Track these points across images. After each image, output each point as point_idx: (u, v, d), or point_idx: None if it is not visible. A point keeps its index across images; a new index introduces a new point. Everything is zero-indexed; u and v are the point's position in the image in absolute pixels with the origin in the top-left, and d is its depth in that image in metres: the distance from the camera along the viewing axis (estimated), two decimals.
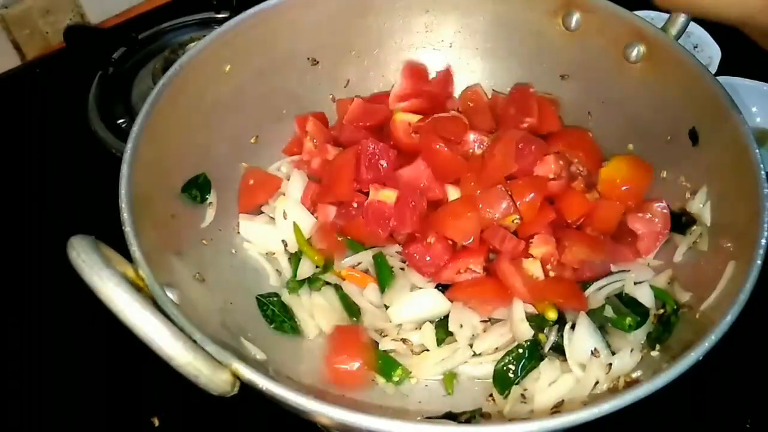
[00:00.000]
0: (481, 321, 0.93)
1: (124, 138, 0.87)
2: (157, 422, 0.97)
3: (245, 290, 0.98)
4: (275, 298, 0.98)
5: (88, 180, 1.24)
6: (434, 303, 0.94)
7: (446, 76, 1.19)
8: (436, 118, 1.06)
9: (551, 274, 0.94)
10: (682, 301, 0.87)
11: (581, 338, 0.86)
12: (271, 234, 1.03)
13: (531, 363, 0.86)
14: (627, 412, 0.88)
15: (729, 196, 0.88)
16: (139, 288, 0.68)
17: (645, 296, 0.89)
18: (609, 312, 0.89)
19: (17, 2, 1.45)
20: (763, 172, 0.81)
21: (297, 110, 1.15)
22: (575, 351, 0.85)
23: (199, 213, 0.99)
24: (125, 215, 0.77)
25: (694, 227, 0.92)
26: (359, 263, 1.00)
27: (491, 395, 0.88)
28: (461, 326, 0.91)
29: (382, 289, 0.96)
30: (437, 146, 1.00)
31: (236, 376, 0.65)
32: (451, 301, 0.94)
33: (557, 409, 0.82)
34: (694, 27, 1.43)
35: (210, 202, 1.00)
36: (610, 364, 0.83)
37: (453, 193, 1.01)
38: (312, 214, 1.04)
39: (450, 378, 0.90)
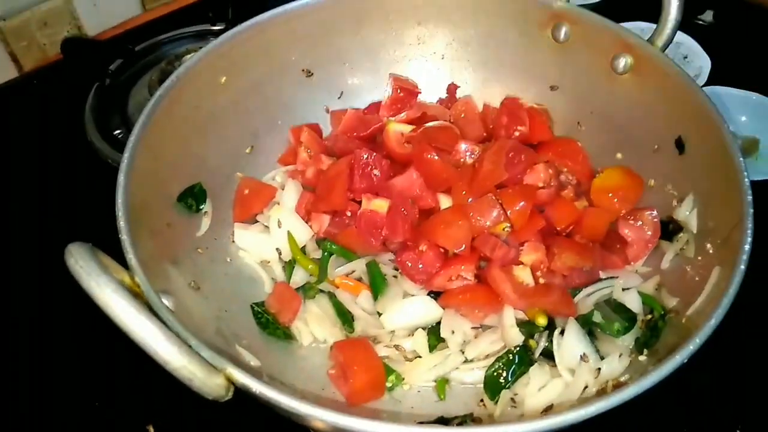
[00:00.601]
0: (472, 328, 0.94)
1: (121, 148, 0.88)
2: (152, 430, 0.98)
3: (240, 298, 0.99)
4: None
5: (85, 190, 1.25)
6: (426, 310, 0.95)
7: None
8: (428, 128, 1.08)
9: (541, 280, 0.95)
10: (669, 307, 0.88)
11: (570, 343, 0.87)
12: (266, 243, 1.05)
13: (521, 368, 0.87)
14: (620, 421, 0.90)
15: (714, 203, 0.90)
16: (135, 294, 0.69)
17: (633, 302, 0.91)
18: (598, 317, 0.90)
19: (15, 14, 1.47)
20: (747, 180, 0.83)
21: (291, 121, 1.17)
22: (564, 356, 0.87)
23: (194, 222, 1.01)
24: (122, 224, 0.79)
25: (681, 234, 0.94)
26: (353, 271, 1.01)
27: (482, 400, 0.89)
28: (453, 332, 0.92)
29: (375, 297, 0.97)
30: (429, 156, 1.01)
31: (230, 380, 0.66)
32: (443, 308, 0.95)
33: (546, 413, 0.83)
34: (684, 38, 1.46)
35: (205, 211, 1.02)
36: (599, 369, 0.84)
37: (445, 201, 1.03)
38: (306, 223, 1.05)
39: (442, 384, 0.91)
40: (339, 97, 1.21)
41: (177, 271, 0.89)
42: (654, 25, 1.01)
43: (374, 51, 1.20)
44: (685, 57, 1.47)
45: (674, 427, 0.96)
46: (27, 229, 1.22)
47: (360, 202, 1.01)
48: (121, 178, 0.83)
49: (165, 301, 0.74)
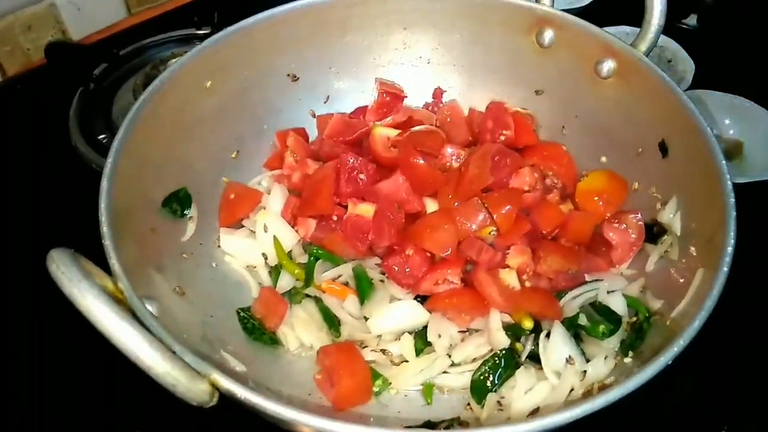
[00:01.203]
0: (459, 331, 0.94)
1: (105, 154, 0.88)
2: None
3: (226, 303, 0.98)
4: None
5: (69, 195, 1.24)
6: (413, 314, 0.95)
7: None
8: (414, 132, 1.08)
9: (527, 284, 0.96)
10: (654, 309, 0.89)
11: (556, 346, 0.87)
12: (252, 247, 1.04)
13: (507, 372, 0.88)
14: (607, 423, 0.90)
15: (698, 205, 0.91)
16: (118, 300, 0.69)
17: (618, 305, 0.91)
18: (583, 320, 0.91)
19: None
20: (729, 183, 0.83)
21: (277, 125, 1.17)
22: (550, 359, 0.87)
23: (179, 227, 1.00)
24: (105, 229, 0.78)
25: (665, 237, 0.95)
26: (339, 276, 1.01)
27: (469, 404, 0.89)
28: (439, 336, 0.92)
29: (362, 301, 0.97)
30: (415, 160, 1.01)
31: (215, 386, 0.66)
32: (430, 312, 0.95)
33: (533, 415, 0.83)
34: (668, 42, 1.48)
35: (190, 216, 1.01)
36: (585, 371, 0.85)
37: (431, 205, 1.03)
38: (292, 227, 1.05)
39: (429, 388, 0.91)
40: (325, 102, 1.21)
41: (161, 276, 0.89)
42: (638, 29, 1.02)
43: (360, 56, 1.20)
44: (670, 61, 1.48)
45: (661, 429, 0.96)
46: (10, 234, 1.21)
47: (346, 207, 1.01)
48: (104, 183, 0.83)
49: (149, 307, 0.73)
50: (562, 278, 0.95)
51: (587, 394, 0.83)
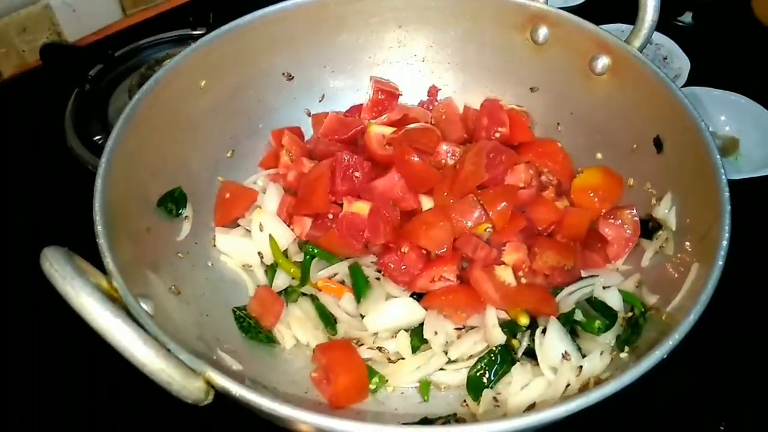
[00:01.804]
0: (455, 329, 0.94)
1: (101, 155, 0.87)
2: None
3: (221, 302, 0.98)
4: None
5: (65, 196, 1.24)
6: (409, 311, 0.95)
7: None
8: (409, 130, 1.08)
9: (523, 280, 0.96)
10: (649, 304, 0.89)
11: (552, 342, 0.87)
12: (247, 247, 1.04)
13: (503, 368, 0.88)
14: (604, 420, 0.90)
15: (693, 201, 0.91)
16: (113, 299, 0.69)
17: (614, 300, 0.91)
18: (579, 316, 0.91)
19: None
20: (724, 177, 0.83)
21: (272, 125, 1.16)
22: (546, 355, 0.87)
23: (174, 226, 1.00)
24: (99, 228, 0.78)
25: (660, 232, 0.95)
26: (335, 274, 1.01)
27: (465, 401, 0.89)
28: (436, 333, 0.92)
29: (358, 299, 0.97)
30: (410, 157, 1.01)
31: (210, 383, 0.66)
32: (426, 309, 0.95)
33: (529, 411, 0.83)
34: (664, 39, 1.48)
35: (186, 216, 1.01)
36: (581, 367, 0.85)
37: (427, 203, 1.03)
38: (288, 226, 1.05)
39: (426, 385, 0.91)
40: (320, 101, 1.21)
41: (156, 275, 0.89)
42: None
43: (355, 54, 1.20)
44: (665, 58, 1.49)
45: (658, 426, 0.96)
46: (6, 235, 1.21)
47: (342, 205, 1.01)
48: (98, 182, 0.83)
49: (144, 306, 0.73)
50: (558, 274, 0.95)
51: (583, 390, 0.82)
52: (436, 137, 1.08)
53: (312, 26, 1.14)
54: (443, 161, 1.06)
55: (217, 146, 1.10)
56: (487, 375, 0.87)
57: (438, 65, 1.22)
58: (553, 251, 0.96)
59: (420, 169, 1.02)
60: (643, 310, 0.89)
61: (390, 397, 0.91)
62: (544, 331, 0.89)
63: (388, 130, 1.10)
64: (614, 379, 0.66)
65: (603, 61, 1.04)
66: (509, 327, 0.92)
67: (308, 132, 1.20)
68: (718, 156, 0.85)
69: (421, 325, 0.94)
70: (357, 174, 1.03)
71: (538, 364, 0.88)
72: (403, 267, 0.97)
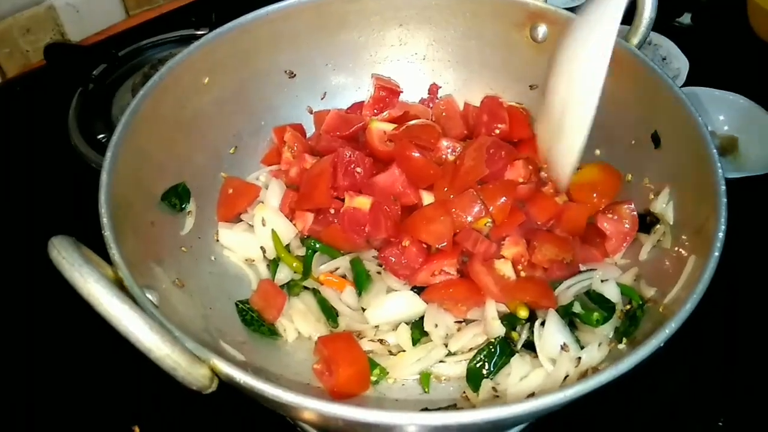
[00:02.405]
0: (455, 322, 0.95)
1: (104, 153, 0.88)
2: (137, 430, 0.98)
3: (225, 296, 0.99)
4: None
5: (70, 195, 1.25)
6: (410, 305, 0.96)
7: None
8: (409, 126, 1.09)
9: (522, 274, 0.97)
10: (647, 297, 0.90)
11: (551, 334, 0.88)
12: (250, 241, 1.05)
13: (502, 359, 0.89)
14: (604, 415, 0.91)
15: (689, 195, 0.92)
16: (120, 287, 0.69)
17: (612, 292, 0.92)
18: (578, 308, 0.92)
19: None
20: (720, 170, 0.84)
21: (275, 122, 1.18)
22: (545, 346, 0.88)
23: (178, 221, 1.01)
24: (105, 220, 0.79)
25: (658, 226, 0.96)
26: (337, 268, 1.02)
27: (464, 392, 0.90)
28: (436, 326, 0.93)
29: (359, 293, 0.98)
30: (411, 153, 1.03)
31: (214, 371, 0.66)
32: (427, 303, 0.96)
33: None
34: (663, 40, 1.49)
35: (189, 211, 1.02)
36: (579, 358, 0.86)
37: (427, 198, 1.04)
38: (290, 221, 1.06)
39: (426, 377, 0.92)
40: (322, 98, 1.22)
41: (161, 268, 0.90)
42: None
43: (357, 52, 1.22)
44: (664, 59, 1.50)
45: (658, 421, 0.97)
46: (11, 234, 1.22)
47: (343, 200, 1.02)
48: (104, 177, 0.83)
49: (149, 296, 0.74)
50: (557, 268, 0.96)
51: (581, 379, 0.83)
52: (436, 133, 1.09)
53: (314, 25, 1.15)
54: (444, 157, 1.07)
55: (220, 142, 1.11)
56: (486, 366, 0.88)
57: (439, 63, 1.23)
58: (551, 245, 0.97)
59: (420, 165, 1.03)
60: (640, 302, 0.90)
61: (391, 389, 0.92)
62: (543, 324, 0.90)
63: (389, 127, 1.11)
64: (612, 367, 0.67)
65: None
66: (508, 320, 0.93)
67: (310, 129, 1.21)
68: (715, 150, 0.86)
69: (422, 318, 0.95)
70: (358, 170, 1.04)
71: (537, 356, 0.89)
72: (403, 261, 0.98)
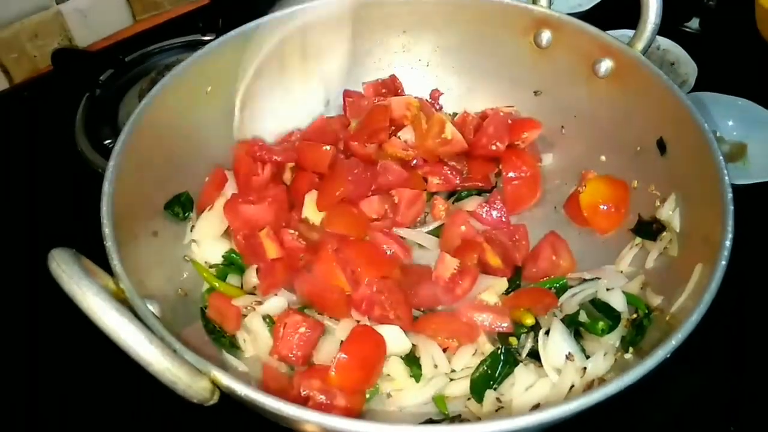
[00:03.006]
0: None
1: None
2: None
3: None
4: None
5: (76, 200, 1.25)
6: (395, 341, 0.91)
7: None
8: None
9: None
10: (654, 305, 0.89)
11: (556, 343, 0.87)
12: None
13: (506, 369, 0.87)
14: (612, 423, 0.90)
15: (696, 202, 0.91)
16: (120, 300, 0.69)
17: (617, 301, 0.91)
18: (583, 317, 0.91)
19: (5, 26, 1.48)
20: (727, 177, 0.83)
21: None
22: (550, 356, 0.87)
23: (181, 230, 1.01)
24: (107, 231, 0.79)
25: (665, 233, 0.95)
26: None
27: (469, 398, 0.88)
28: (436, 367, 0.89)
29: None
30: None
31: (215, 383, 0.66)
32: (418, 333, 0.92)
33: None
34: (671, 45, 1.48)
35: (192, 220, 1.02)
36: (585, 368, 0.85)
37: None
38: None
39: (441, 399, 0.88)
40: (326, 105, 1.22)
41: (164, 278, 0.90)
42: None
43: (360, 59, 1.21)
44: (672, 64, 1.49)
45: (668, 429, 0.96)
46: (16, 240, 1.22)
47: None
48: (106, 186, 0.84)
49: (150, 307, 0.74)
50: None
51: (587, 389, 0.83)
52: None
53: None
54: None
55: (223, 152, 1.11)
56: (490, 375, 0.87)
57: (442, 69, 1.23)
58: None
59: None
60: (647, 311, 0.89)
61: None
62: (547, 333, 0.89)
63: None
64: (618, 378, 0.66)
65: (606, 65, 1.04)
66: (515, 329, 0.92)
67: None
68: (721, 157, 0.85)
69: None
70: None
71: (541, 366, 0.88)
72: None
